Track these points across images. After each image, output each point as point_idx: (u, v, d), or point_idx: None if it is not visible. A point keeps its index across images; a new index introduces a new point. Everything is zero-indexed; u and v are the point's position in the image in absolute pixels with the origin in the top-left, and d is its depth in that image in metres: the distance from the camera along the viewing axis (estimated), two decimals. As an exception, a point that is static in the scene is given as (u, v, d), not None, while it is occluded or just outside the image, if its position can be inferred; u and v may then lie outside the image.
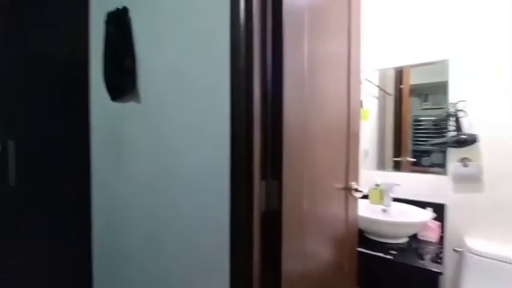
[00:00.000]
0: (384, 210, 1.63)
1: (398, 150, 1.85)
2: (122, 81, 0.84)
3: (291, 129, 0.72)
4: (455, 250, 1.55)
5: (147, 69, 0.86)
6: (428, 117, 1.72)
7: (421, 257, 1.34)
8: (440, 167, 1.65)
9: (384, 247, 1.42)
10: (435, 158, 1.69)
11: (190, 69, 0.75)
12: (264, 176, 0.69)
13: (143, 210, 0.89)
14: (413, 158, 1.77)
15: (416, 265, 1.25)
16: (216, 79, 0.70)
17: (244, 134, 0.66)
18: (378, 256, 1.33)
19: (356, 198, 1.17)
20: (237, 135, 0.67)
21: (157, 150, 0.84)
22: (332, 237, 1.02)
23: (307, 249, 0.84)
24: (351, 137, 1.12)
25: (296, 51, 0.75)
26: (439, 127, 1.66)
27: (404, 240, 1.52)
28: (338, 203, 1.06)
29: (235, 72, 0.66)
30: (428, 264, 1.26)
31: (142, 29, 0.86)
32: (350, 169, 1.10)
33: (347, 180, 1.10)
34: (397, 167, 1.82)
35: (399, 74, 1.82)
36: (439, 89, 1.65)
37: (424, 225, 1.50)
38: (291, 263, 0.73)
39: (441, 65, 1.62)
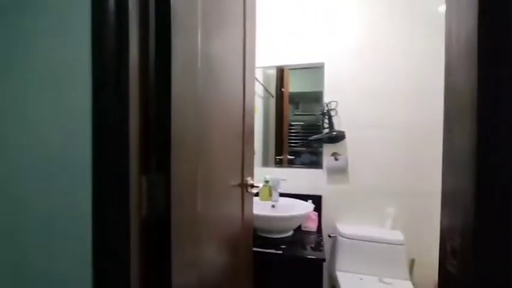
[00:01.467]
0: (273, 206, 1.65)
1: (279, 149, 1.94)
2: None
3: (182, 114, 0.55)
4: (329, 236, 1.72)
5: None
6: (299, 122, 1.89)
7: (305, 247, 1.40)
8: (311, 164, 1.82)
9: (274, 243, 1.41)
10: (305, 157, 1.85)
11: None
12: (145, 169, 0.49)
13: None
14: (291, 156, 1.89)
15: (303, 256, 1.29)
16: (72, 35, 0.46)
17: (115, 112, 0.45)
18: (270, 253, 1.31)
19: (251, 195, 1.09)
20: (103, 113, 0.45)
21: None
22: (229, 239, 0.89)
23: (202, 256, 0.68)
24: (246, 132, 1.04)
25: (188, 37, 0.59)
26: (310, 129, 1.83)
27: (290, 233, 1.57)
28: (234, 200, 0.95)
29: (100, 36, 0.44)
30: (312, 253, 1.32)
31: None
32: (245, 165, 1.02)
33: (242, 176, 1.00)
34: (279, 164, 1.90)
35: (281, 76, 1.91)
36: (311, 98, 1.84)
37: (307, 217, 1.60)
38: (183, 277, 0.56)
39: (316, 75, 1.80)
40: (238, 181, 0.98)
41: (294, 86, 1.90)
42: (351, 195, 1.76)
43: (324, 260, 1.27)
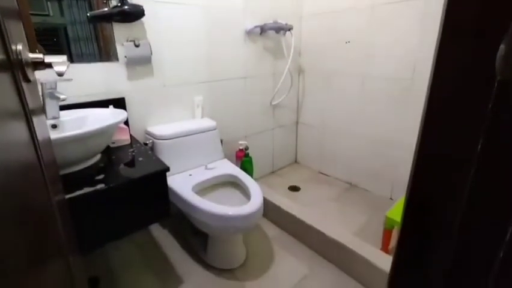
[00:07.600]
0: (54, 126, 0.97)
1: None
2: None
3: None
4: (145, 144, 1.35)
5: None
6: None
7: (133, 164, 0.99)
8: (98, 55, 1.21)
9: (82, 178, 0.86)
10: (88, 47, 1.19)
11: None
12: None
13: None
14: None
15: (140, 175, 0.89)
16: None
17: None
18: (85, 195, 0.78)
19: (36, 85, 0.49)
20: None
21: None
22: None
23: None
24: None
25: None
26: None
27: (97, 158, 1.02)
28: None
29: None
30: (150, 167, 0.94)
31: None
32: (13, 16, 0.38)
33: (5, 43, 0.38)
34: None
35: None
36: None
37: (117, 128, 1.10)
38: None
39: None
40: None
41: None
42: (159, 90, 1.41)
43: (167, 169, 0.94)
